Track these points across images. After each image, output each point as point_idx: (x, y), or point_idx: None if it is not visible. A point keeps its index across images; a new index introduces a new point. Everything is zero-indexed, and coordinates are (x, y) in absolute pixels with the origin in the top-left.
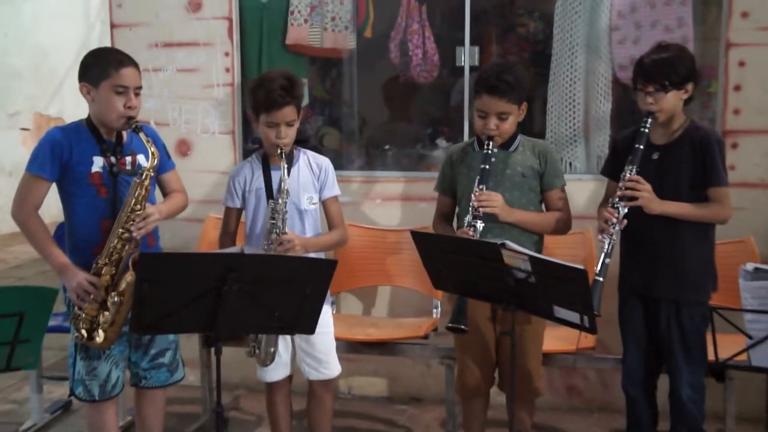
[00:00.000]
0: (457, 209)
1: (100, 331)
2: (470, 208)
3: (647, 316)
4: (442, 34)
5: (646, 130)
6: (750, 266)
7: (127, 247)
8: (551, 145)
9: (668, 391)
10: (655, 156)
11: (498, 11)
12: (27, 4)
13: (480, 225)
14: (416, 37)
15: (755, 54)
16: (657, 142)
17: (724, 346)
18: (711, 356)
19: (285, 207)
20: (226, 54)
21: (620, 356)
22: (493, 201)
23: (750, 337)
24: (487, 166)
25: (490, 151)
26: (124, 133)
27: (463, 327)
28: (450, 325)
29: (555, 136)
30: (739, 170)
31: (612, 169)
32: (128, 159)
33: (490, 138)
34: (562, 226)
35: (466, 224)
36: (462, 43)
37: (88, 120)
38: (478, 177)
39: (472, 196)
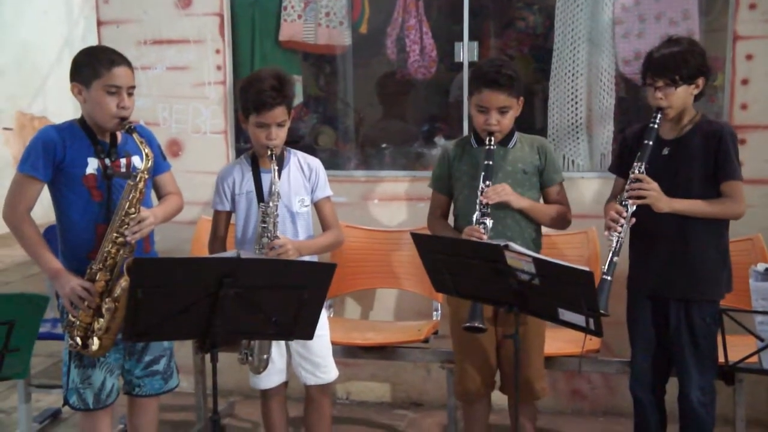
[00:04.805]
0: (453, 207)
1: (95, 339)
2: (478, 206)
3: (657, 317)
4: (439, 28)
5: (656, 126)
6: (761, 267)
7: (121, 252)
8: (548, 141)
9: (677, 394)
10: (666, 152)
11: (497, 5)
12: None
13: (490, 223)
14: (413, 33)
15: (764, 47)
16: (667, 137)
17: (734, 348)
18: (720, 358)
19: (276, 210)
20: (218, 51)
21: (626, 359)
22: (503, 191)
23: (761, 340)
24: (491, 162)
25: (491, 147)
26: (119, 134)
27: (480, 326)
28: (467, 324)
29: (556, 132)
30: (747, 166)
31: (619, 166)
32: (123, 161)
33: (491, 133)
34: (564, 220)
35: (475, 222)
36: (460, 38)
37: (82, 120)
38: (482, 174)
39: (478, 193)
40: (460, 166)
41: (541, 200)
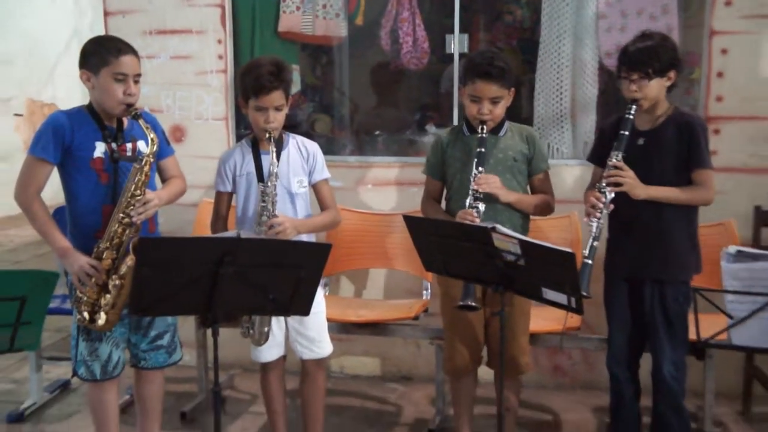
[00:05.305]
0: (445, 192)
1: (102, 314)
2: (471, 191)
3: (632, 297)
4: (431, 21)
5: (631, 117)
6: (732, 249)
7: (127, 232)
8: (536, 131)
9: (651, 369)
10: (641, 142)
11: None
12: None
13: (482, 207)
14: (406, 25)
15: (738, 42)
16: (642, 128)
17: (705, 325)
18: (692, 335)
19: (275, 190)
20: (219, 41)
21: (604, 336)
22: (493, 182)
23: (731, 317)
24: (483, 150)
25: (483, 135)
26: (125, 120)
27: (473, 304)
28: (461, 303)
29: (542, 121)
30: (721, 155)
31: (598, 155)
32: (129, 145)
33: (484, 122)
34: (548, 208)
35: (468, 206)
36: (451, 31)
37: (90, 106)
38: (475, 160)
39: (471, 179)
40: (453, 153)
41: (528, 187)
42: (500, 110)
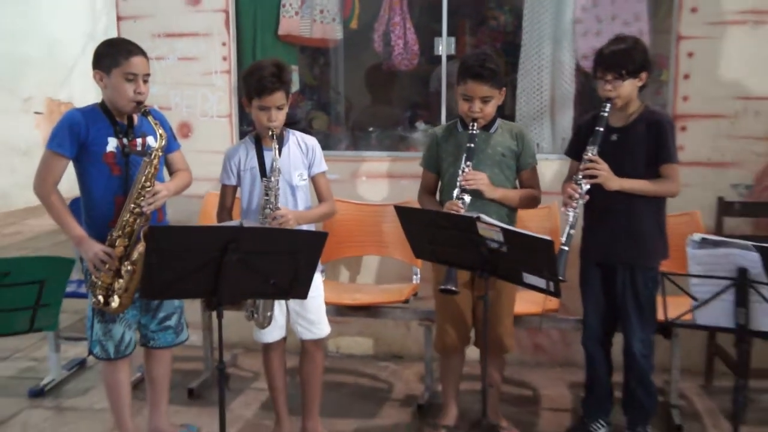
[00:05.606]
0: (440, 183)
1: (116, 297)
2: (458, 184)
3: (605, 281)
4: (421, 25)
5: (606, 114)
6: (697, 236)
7: (138, 221)
8: (525, 129)
9: (622, 347)
10: (614, 137)
11: (472, 4)
12: None
13: (468, 198)
14: (398, 29)
15: (703, 46)
16: (615, 125)
17: (672, 307)
18: (660, 316)
19: (278, 184)
20: (223, 44)
21: (580, 317)
22: (480, 179)
23: (695, 299)
24: (472, 145)
25: (474, 131)
26: (135, 117)
27: (453, 288)
28: (442, 287)
29: (523, 118)
30: (687, 151)
31: (575, 150)
32: (139, 141)
33: (475, 119)
34: (534, 201)
35: (455, 197)
36: (439, 34)
37: (102, 104)
38: (464, 155)
39: (459, 172)
40: (447, 148)
41: (517, 182)
42: (491, 109)
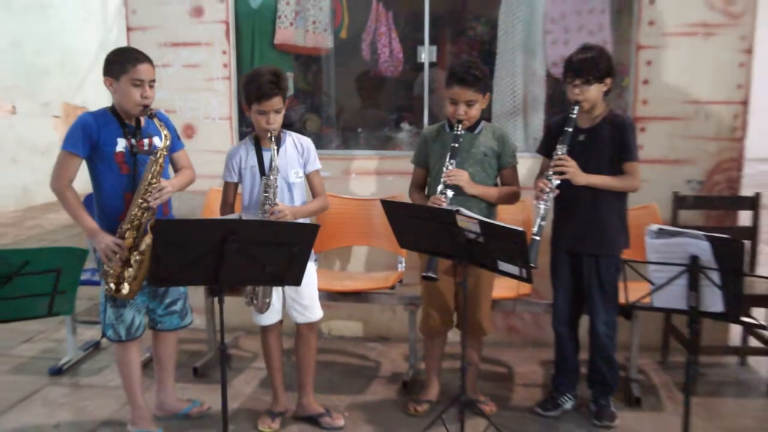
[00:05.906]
0: (428, 179)
1: (126, 284)
2: (442, 180)
3: (573, 268)
4: (405, 35)
5: (574, 116)
6: (655, 227)
7: (146, 215)
8: (507, 131)
9: (588, 328)
10: (582, 137)
11: (452, 16)
12: (54, 10)
13: (450, 193)
14: (384, 38)
15: (660, 55)
16: (583, 126)
17: (632, 291)
18: (622, 299)
19: (276, 182)
20: (224, 52)
21: (550, 301)
22: (461, 176)
23: (653, 284)
24: (456, 145)
25: (459, 132)
26: (143, 119)
27: (434, 276)
28: (424, 274)
29: (498, 120)
30: (646, 149)
31: (546, 149)
32: (146, 141)
33: (460, 121)
34: (514, 197)
35: (438, 192)
36: (422, 43)
37: (113, 108)
38: (449, 153)
39: (444, 169)
40: (434, 147)
41: (498, 180)
42: (475, 112)
